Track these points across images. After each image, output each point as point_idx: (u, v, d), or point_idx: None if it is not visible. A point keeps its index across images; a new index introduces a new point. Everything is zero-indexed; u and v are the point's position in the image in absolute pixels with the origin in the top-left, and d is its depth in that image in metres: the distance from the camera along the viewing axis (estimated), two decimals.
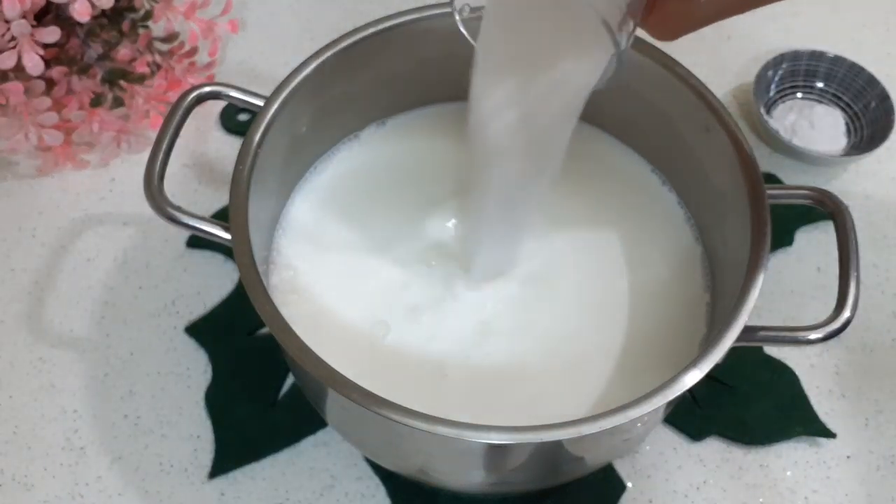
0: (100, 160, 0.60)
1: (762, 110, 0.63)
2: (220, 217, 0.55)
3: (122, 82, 0.58)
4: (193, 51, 0.62)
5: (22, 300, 0.55)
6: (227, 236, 0.44)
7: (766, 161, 0.62)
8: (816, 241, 0.58)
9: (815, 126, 0.62)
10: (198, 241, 0.57)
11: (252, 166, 0.46)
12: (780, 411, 0.51)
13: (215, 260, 0.57)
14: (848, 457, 0.50)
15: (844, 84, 0.64)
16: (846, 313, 0.42)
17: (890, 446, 0.51)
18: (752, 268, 0.43)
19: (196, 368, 0.53)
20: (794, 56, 0.65)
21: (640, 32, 0.43)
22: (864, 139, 0.63)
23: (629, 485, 0.49)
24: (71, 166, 0.60)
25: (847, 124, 0.64)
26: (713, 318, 0.48)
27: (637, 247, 0.52)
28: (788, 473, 0.50)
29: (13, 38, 0.53)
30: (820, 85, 0.65)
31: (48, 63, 0.56)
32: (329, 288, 0.50)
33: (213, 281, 0.56)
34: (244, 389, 0.51)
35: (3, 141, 0.57)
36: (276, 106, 0.48)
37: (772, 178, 0.61)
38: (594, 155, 0.55)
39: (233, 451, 0.49)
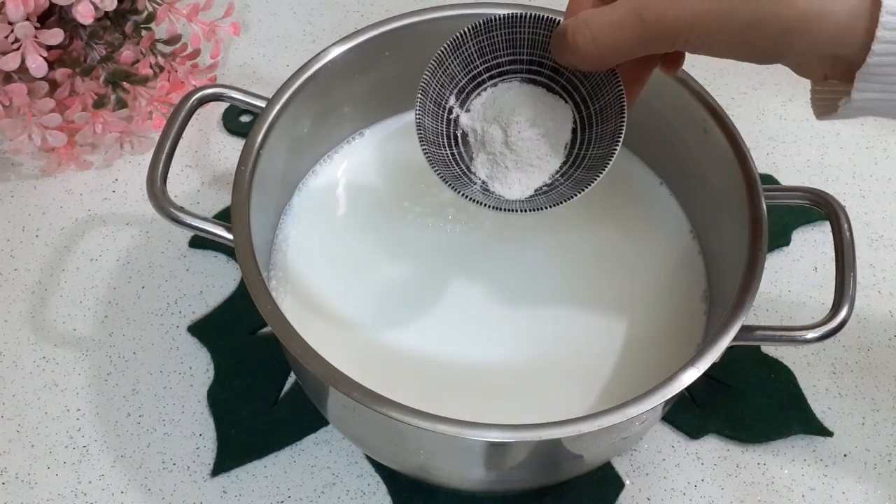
0: (103, 161, 0.61)
1: None
2: (223, 217, 0.56)
3: (125, 84, 0.59)
4: (196, 53, 0.63)
5: (25, 300, 0.55)
6: (230, 236, 0.44)
7: (764, 162, 0.63)
8: (813, 242, 0.59)
9: None
10: (200, 242, 0.57)
11: (254, 167, 0.46)
12: (777, 410, 0.51)
13: (218, 260, 0.57)
14: (845, 455, 0.51)
15: None
16: (843, 313, 0.42)
17: (886, 444, 0.51)
18: (750, 268, 0.43)
19: (198, 367, 0.53)
20: None
21: None
22: None
23: (627, 482, 0.49)
24: (74, 167, 0.60)
25: None
26: (711, 317, 0.49)
27: (635, 247, 0.52)
28: (786, 471, 0.50)
29: (17, 40, 0.53)
30: None
31: (51, 65, 0.56)
32: (330, 287, 0.50)
33: (216, 280, 0.56)
34: (246, 388, 0.52)
35: (7, 142, 0.58)
36: (277, 107, 0.48)
37: (769, 179, 0.62)
38: None
39: (235, 449, 0.50)
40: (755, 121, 0.65)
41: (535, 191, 0.43)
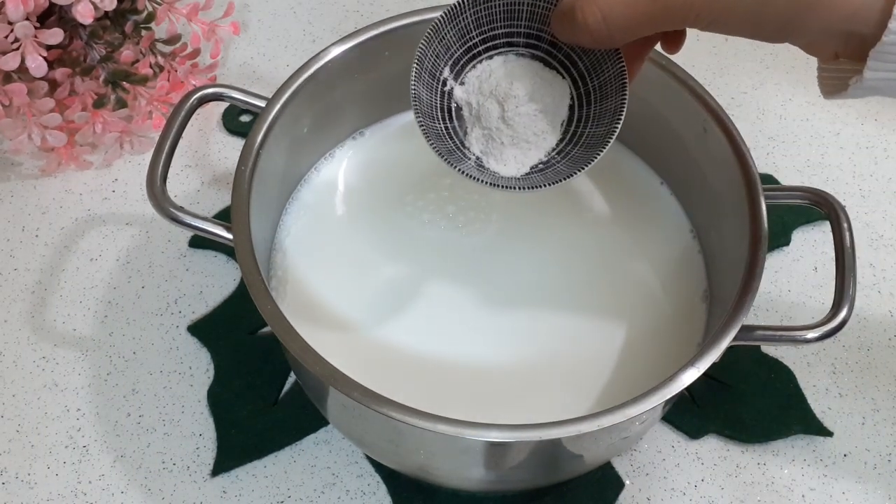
0: (103, 161, 0.61)
1: None
2: (223, 217, 0.56)
3: (124, 83, 0.58)
4: (196, 52, 0.63)
5: (25, 299, 0.55)
6: (229, 236, 0.44)
7: (764, 161, 0.63)
8: (813, 241, 0.59)
9: None
10: (200, 241, 0.57)
11: (254, 167, 0.46)
12: (777, 410, 0.51)
13: (217, 259, 0.57)
14: (845, 455, 0.51)
15: None
16: (843, 313, 0.42)
17: (886, 444, 0.51)
18: (750, 267, 0.43)
19: (198, 367, 0.53)
20: None
21: None
22: None
23: (627, 482, 0.49)
24: (74, 167, 0.60)
25: None
26: (711, 317, 0.49)
27: (635, 247, 0.52)
28: (785, 471, 0.50)
29: (17, 40, 0.53)
30: None
31: (51, 64, 0.56)
32: (330, 287, 0.50)
33: (216, 280, 0.56)
34: (246, 388, 0.52)
35: (7, 142, 0.58)
36: (277, 107, 0.48)
37: (769, 179, 0.62)
38: None
39: (235, 449, 0.50)
40: (755, 121, 0.65)
41: (531, 168, 0.43)
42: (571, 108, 0.43)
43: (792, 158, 0.63)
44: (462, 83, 0.43)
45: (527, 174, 0.42)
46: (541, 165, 0.43)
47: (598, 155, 0.40)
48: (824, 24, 0.34)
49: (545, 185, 0.41)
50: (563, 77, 0.43)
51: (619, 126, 0.41)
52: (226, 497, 0.49)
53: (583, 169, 0.40)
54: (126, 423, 0.51)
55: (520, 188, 0.41)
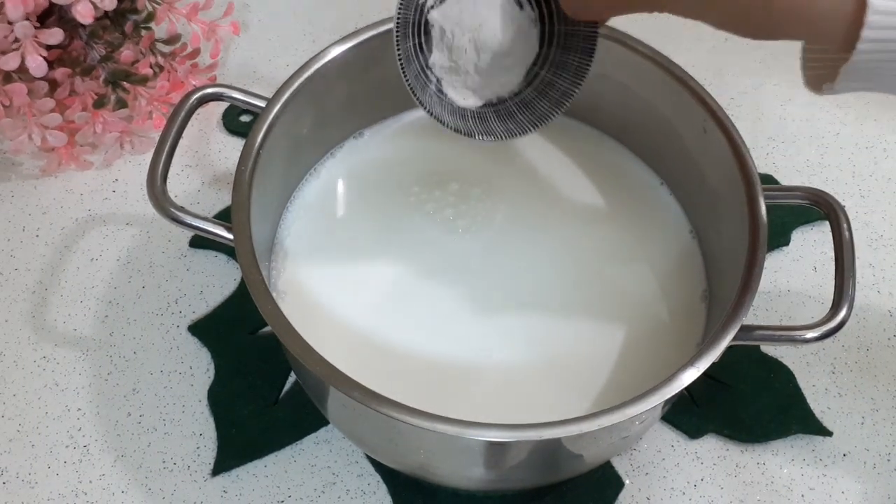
0: (103, 161, 0.61)
1: None
2: (223, 217, 0.56)
3: (124, 83, 0.58)
4: (196, 52, 0.63)
5: (26, 299, 0.55)
6: (230, 236, 0.44)
7: (763, 162, 0.63)
8: (813, 241, 0.59)
9: None
10: (200, 241, 0.57)
11: (254, 167, 0.46)
12: (776, 409, 0.51)
13: (218, 259, 0.57)
14: (844, 455, 0.51)
15: None
16: (842, 313, 0.42)
17: (886, 444, 0.51)
18: (749, 267, 0.43)
19: (199, 367, 0.53)
20: None
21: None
22: None
23: (627, 482, 0.49)
24: (74, 167, 0.60)
25: None
26: (710, 317, 0.49)
27: (635, 247, 0.52)
28: (785, 471, 0.50)
29: (16, 40, 0.53)
30: None
31: (51, 64, 0.56)
32: (330, 286, 0.50)
33: (216, 280, 0.56)
34: (246, 388, 0.52)
35: (7, 142, 0.58)
36: (277, 107, 0.48)
37: (769, 179, 0.62)
38: (592, 156, 0.56)
39: (235, 449, 0.50)
40: (755, 121, 0.65)
41: (486, 102, 0.45)
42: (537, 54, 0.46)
43: (792, 158, 0.63)
44: (442, 1, 0.44)
45: (480, 107, 0.45)
46: (496, 100, 0.46)
47: (559, 111, 0.45)
48: (799, 35, 0.35)
49: (507, 137, 0.44)
50: (535, 18, 0.45)
51: (579, 89, 0.44)
52: (226, 497, 0.49)
53: (538, 127, 0.44)
54: (126, 423, 0.51)
55: (499, 136, 0.44)
